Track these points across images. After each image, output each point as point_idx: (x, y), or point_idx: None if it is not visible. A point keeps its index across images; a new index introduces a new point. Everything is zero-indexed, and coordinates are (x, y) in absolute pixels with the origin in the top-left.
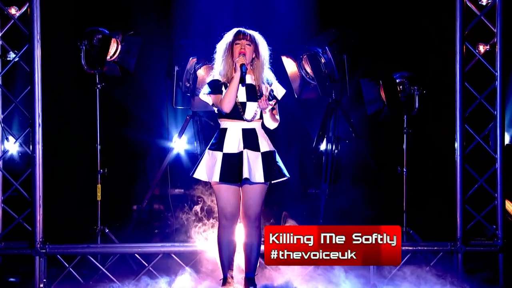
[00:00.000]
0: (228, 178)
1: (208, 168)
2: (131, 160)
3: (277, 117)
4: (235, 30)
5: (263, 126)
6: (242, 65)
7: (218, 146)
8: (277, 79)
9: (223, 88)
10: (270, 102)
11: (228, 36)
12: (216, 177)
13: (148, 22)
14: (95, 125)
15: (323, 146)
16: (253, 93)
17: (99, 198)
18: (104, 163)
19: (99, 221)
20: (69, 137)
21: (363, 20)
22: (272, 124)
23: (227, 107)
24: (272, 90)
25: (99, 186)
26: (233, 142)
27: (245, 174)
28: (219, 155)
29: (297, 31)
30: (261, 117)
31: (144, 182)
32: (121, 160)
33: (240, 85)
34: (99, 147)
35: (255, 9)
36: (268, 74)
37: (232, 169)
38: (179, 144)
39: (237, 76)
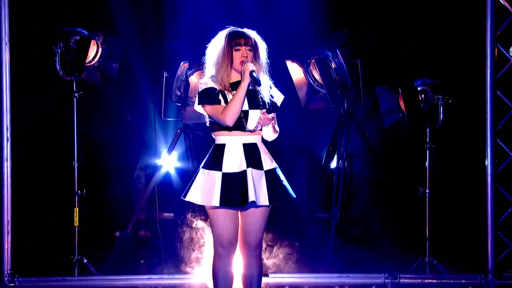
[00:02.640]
0: (230, 202)
1: (205, 190)
2: (114, 180)
3: (277, 127)
4: (232, 30)
5: (262, 139)
6: (252, 73)
7: (215, 164)
8: (282, 87)
9: (220, 97)
10: (270, 116)
11: (225, 38)
12: (215, 201)
13: (133, 22)
14: (71, 140)
15: (333, 164)
16: (256, 100)
17: (76, 223)
18: (82, 184)
19: (77, 250)
20: (43, 153)
21: (379, 20)
22: (272, 136)
23: (230, 120)
24: (272, 96)
25: (76, 209)
26: (233, 160)
27: (251, 197)
28: (217, 175)
29: (303, 33)
30: (261, 128)
31: (128, 205)
32: (101, 180)
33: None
34: (76, 165)
35: (256, 7)
36: (266, 78)
37: (234, 191)
38: (169, 161)
39: (244, 85)
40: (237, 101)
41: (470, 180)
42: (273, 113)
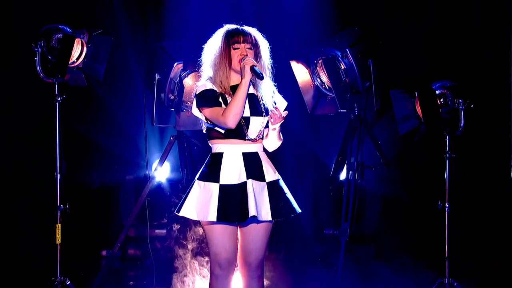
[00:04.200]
0: (229, 217)
1: (200, 204)
2: (100, 193)
3: (281, 135)
4: (230, 28)
5: (263, 148)
6: (253, 67)
7: (212, 175)
8: (286, 90)
9: (220, 99)
10: (284, 113)
11: (223, 37)
12: (212, 216)
13: (122, 19)
14: (54, 149)
15: (343, 175)
16: (257, 106)
17: (58, 241)
18: (65, 197)
19: (59, 270)
20: (21, 163)
21: (393, 16)
22: (275, 144)
23: (233, 121)
24: (274, 102)
25: (58, 226)
26: (232, 171)
27: (252, 212)
28: (214, 187)
29: (310, 31)
30: (263, 137)
31: (116, 220)
32: (86, 193)
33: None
34: (59, 176)
35: (257, 4)
36: (269, 81)
37: (233, 205)
38: (161, 172)
39: (246, 81)
40: (239, 100)
41: (494, 193)
42: (286, 111)
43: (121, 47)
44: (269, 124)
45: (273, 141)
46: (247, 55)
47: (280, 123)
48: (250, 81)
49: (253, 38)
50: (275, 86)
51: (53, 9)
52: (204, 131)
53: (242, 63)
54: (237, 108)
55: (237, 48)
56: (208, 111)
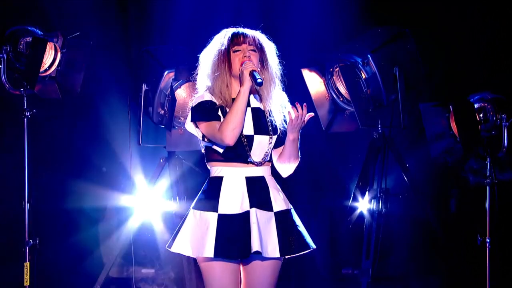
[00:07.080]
0: (228, 253)
1: (195, 237)
2: (76, 225)
3: (299, 151)
4: (230, 31)
5: (273, 172)
6: (252, 72)
7: (209, 204)
8: (295, 103)
9: (219, 113)
10: (309, 114)
11: (221, 41)
12: (209, 252)
13: (102, 21)
14: (22, 173)
15: (364, 204)
16: (264, 123)
17: (27, 282)
18: (35, 231)
19: None
20: None
21: (423, 17)
22: (292, 164)
23: (230, 136)
24: (285, 121)
25: (27, 264)
26: (233, 198)
27: (255, 247)
28: (212, 217)
29: (324, 34)
30: (271, 159)
31: (96, 258)
32: (60, 226)
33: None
34: (27, 206)
35: (264, 5)
36: (279, 93)
37: (234, 238)
38: (148, 200)
39: (245, 90)
40: (237, 111)
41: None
42: (311, 112)
43: (100, 52)
44: (287, 128)
45: (289, 159)
46: (249, 58)
47: (301, 127)
48: (257, 92)
49: (256, 40)
50: (287, 99)
51: (22, 9)
52: (202, 151)
53: (241, 68)
54: (235, 121)
55: (238, 51)
56: (204, 125)
